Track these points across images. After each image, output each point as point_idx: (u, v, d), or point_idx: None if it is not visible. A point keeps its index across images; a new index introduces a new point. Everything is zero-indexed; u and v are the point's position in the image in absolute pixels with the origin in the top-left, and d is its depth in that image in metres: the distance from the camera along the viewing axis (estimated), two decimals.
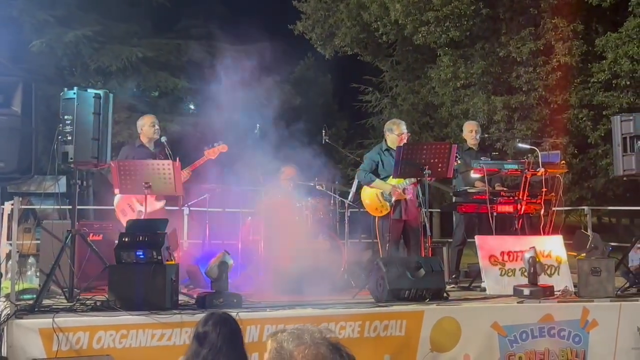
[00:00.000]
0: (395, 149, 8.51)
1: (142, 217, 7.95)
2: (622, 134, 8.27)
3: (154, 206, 8.27)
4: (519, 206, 8.45)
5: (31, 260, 7.95)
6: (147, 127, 8.82)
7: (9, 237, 7.12)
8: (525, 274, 7.51)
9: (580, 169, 18.76)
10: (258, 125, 9.47)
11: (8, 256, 7.07)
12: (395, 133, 8.80)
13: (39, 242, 8.40)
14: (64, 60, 20.46)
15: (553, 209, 8.64)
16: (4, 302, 6.36)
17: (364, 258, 9.74)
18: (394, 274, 7.07)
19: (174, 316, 6.01)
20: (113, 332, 5.86)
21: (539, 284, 7.40)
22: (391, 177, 8.56)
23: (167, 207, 8.70)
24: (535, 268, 7.39)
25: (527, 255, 7.45)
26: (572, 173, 17.95)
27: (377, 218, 8.75)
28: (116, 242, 6.91)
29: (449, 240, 10.02)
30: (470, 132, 9.43)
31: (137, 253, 6.47)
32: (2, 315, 5.92)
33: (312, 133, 9.62)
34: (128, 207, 8.42)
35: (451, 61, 19.34)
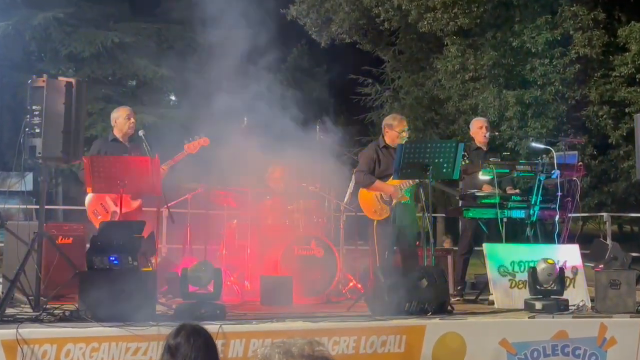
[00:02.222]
0: (394, 146, 8.52)
1: (117, 219, 7.96)
2: None
3: (129, 206, 8.27)
4: (531, 212, 8.47)
5: None
6: (121, 120, 8.80)
7: None
8: (538, 286, 7.53)
9: (599, 172, 18.83)
10: (245, 119, 9.48)
11: None
12: (396, 130, 8.81)
13: (2, 245, 8.41)
14: (32, 45, 20.43)
15: (569, 215, 8.67)
16: None
17: (361, 266, 9.75)
18: (393, 284, 7.08)
19: (151, 328, 6.01)
20: (83, 345, 5.86)
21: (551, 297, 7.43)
22: (391, 177, 8.58)
23: (144, 208, 8.70)
24: (535, 280, 7.43)
25: (546, 266, 7.47)
26: (590, 176, 18.02)
27: (375, 222, 8.77)
28: (88, 246, 6.91)
29: (454, 248, 10.04)
30: (480, 129, 9.43)
31: (111, 258, 6.47)
32: None
33: (305, 128, 9.63)
34: (101, 207, 8.42)
35: (459, 51, 19.40)
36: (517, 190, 9.15)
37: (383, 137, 8.92)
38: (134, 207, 8.40)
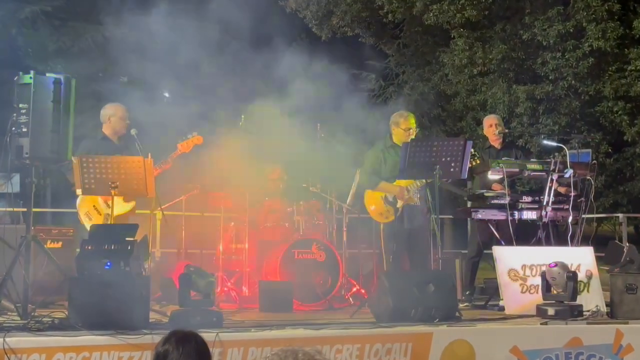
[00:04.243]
0: (401, 145, 8.52)
1: (109, 222, 7.94)
2: None
3: (121, 208, 8.26)
4: (543, 212, 8.47)
5: None
6: (116, 119, 8.73)
7: None
8: (552, 290, 7.52)
9: (614, 171, 18.81)
10: (242, 116, 9.47)
11: None
12: (402, 127, 8.80)
13: None
14: (19, 40, 20.41)
15: (583, 216, 8.66)
16: None
17: (365, 271, 9.75)
18: (399, 289, 7.08)
19: (145, 336, 6.01)
20: (73, 354, 5.85)
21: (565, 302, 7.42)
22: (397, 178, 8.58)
23: (137, 211, 8.68)
24: (547, 284, 7.43)
25: (556, 270, 7.46)
26: (605, 175, 18.00)
27: (381, 225, 8.76)
28: (78, 250, 6.90)
29: (463, 251, 10.02)
30: (490, 128, 9.42)
31: (102, 263, 6.47)
32: None
33: (305, 126, 9.62)
34: (93, 209, 8.38)
35: (467, 44, 19.36)
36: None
37: (390, 135, 8.91)
38: (128, 209, 8.39)
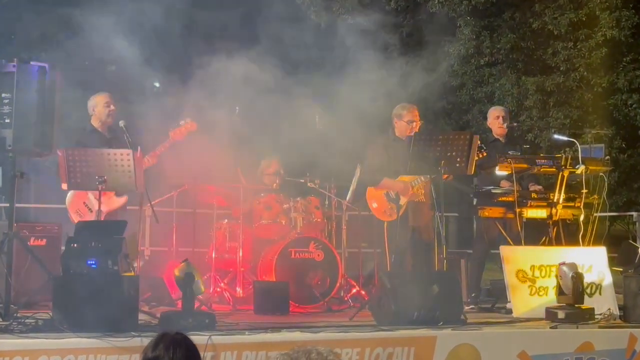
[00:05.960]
0: (404, 139, 8.50)
1: (102, 219, 7.91)
2: None
3: (114, 204, 8.24)
4: (553, 210, 8.46)
5: None
6: (100, 107, 8.73)
7: None
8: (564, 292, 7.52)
9: (628, 167, 18.82)
10: (237, 107, 9.45)
11: None
12: (405, 120, 8.79)
13: None
14: (1, 26, 20.39)
15: (595, 214, 8.66)
16: None
17: (365, 271, 9.75)
18: (401, 291, 7.08)
19: (133, 339, 6.00)
20: (58, 357, 5.85)
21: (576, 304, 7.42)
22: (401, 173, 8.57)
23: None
24: (563, 285, 7.43)
25: (564, 269, 7.46)
26: (618, 171, 18.01)
27: (385, 223, 8.74)
28: (63, 248, 6.89)
29: (468, 251, 10.02)
30: (496, 120, 9.40)
31: (89, 262, 6.46)
32: None
33: (303, 118, 9.60)
34: (84, 206, 8.36)
35: (474, 33, 19.37)
36: (540, 187, 9.09)
37: (393, 129, 8.90)
38: (121, 204, 8.37)
